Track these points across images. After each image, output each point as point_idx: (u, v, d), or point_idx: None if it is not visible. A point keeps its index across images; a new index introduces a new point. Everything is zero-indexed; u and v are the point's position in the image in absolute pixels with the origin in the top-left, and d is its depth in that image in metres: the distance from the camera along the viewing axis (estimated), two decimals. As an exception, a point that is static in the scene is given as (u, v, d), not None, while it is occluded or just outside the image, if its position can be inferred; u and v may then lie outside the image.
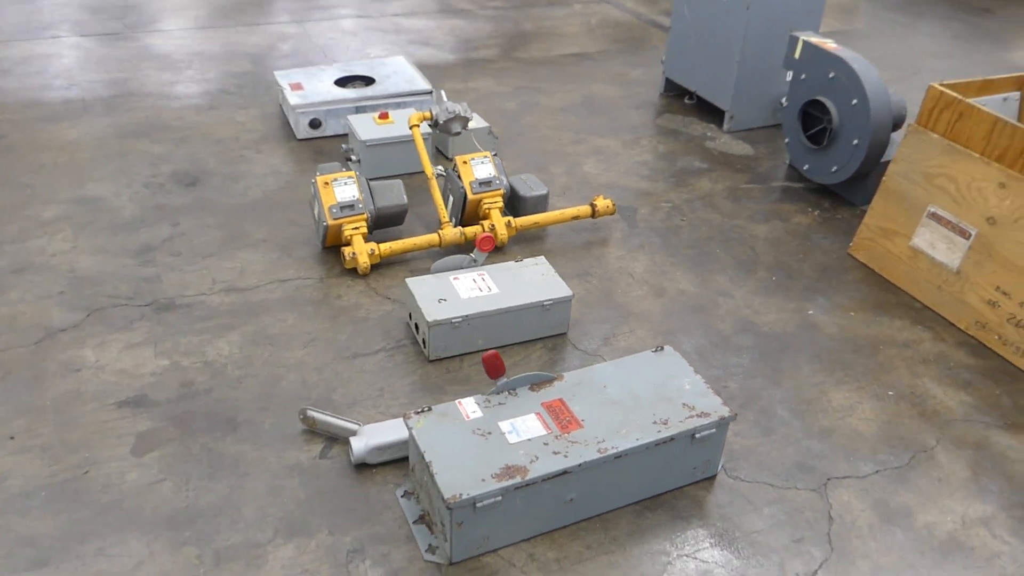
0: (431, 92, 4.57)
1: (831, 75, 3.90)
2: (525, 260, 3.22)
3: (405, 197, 3.51)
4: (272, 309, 3.16)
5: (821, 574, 2.27)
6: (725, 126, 4.80)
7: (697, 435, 2.38)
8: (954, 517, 2.47)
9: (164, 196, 3.82)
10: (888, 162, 3.61)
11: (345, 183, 3.42)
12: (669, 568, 2.27)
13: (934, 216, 3.34)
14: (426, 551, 2.27)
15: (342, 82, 4.63)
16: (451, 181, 3.64)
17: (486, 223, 3.55)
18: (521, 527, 2.29)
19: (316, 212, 3.43)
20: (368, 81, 4.65)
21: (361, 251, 3.34)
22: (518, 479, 2.17)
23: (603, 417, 2.38)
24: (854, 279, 3.55)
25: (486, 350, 2.66)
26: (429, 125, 3.72)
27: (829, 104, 3.92)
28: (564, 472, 2.22)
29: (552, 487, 2.24)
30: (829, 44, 3.99)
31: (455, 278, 3.08)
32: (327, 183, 3.40)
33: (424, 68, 5.09)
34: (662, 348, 2.66)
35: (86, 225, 3.58)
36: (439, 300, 2.95)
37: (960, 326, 3.26)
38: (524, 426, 2.33)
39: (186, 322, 3.06)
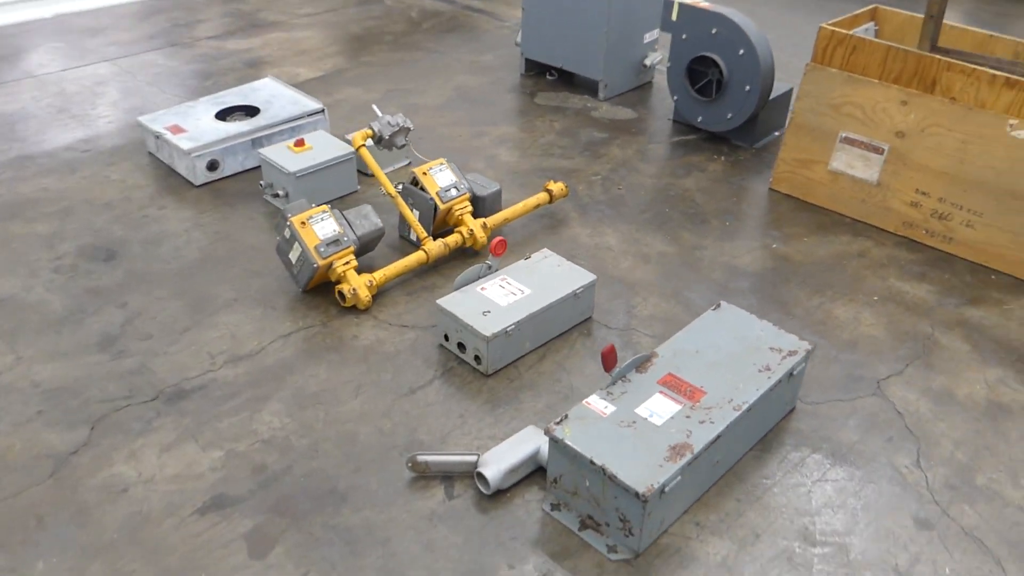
0: (323, 110, 4.35)
1: (713, 31, 4.26)
2: (533, 256, 3.24)
3: (379, 220, 3.36)
4: (294, 367, 2.92)
5: (923, 461, 2.60)
6: (601, 95, 5.05)
7: (794, 372, 2.60)
8: (981, 385, 2.92)
9: (86, 278, 3.34)
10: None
11: (322, 219, 3.20)
12: (812, 495, 2.48)
13: (847, 140, 3.81)
14: (609, 552, 2.29)
15: (222, 116, 4.26)
16: (412, 195, 3.53)
17: (463, 229, 3.50)
18: (684, 501, 2.38)
19: (296, 256, 3.18)
20: (251, 111, 4.32)
21: (359, 285, 3.17)
22: (688, 455, 2.26)
23: (716, 379, 2.52)
24: (788, 209, 3.96)
25: (531, 352, 2.66)
26: (374, 142, 3.58)
27: (717, 58, 4.29)
28: (718, 438, 2.34)
29: (708, 455, 2.35)
30: (703, 3, 4.34)
31: (482, 288, 3.03)
32: (304, 222, 3.16)
33: (288, 87, 4.81)
34: (719, 305, 2.84)
35: (16, 331, 3.04)
36: (483, 313, 2.91)
37: (890, 230, 3.77)
38: (658, 407, 2.41)
39: (210, 405, 2.75)
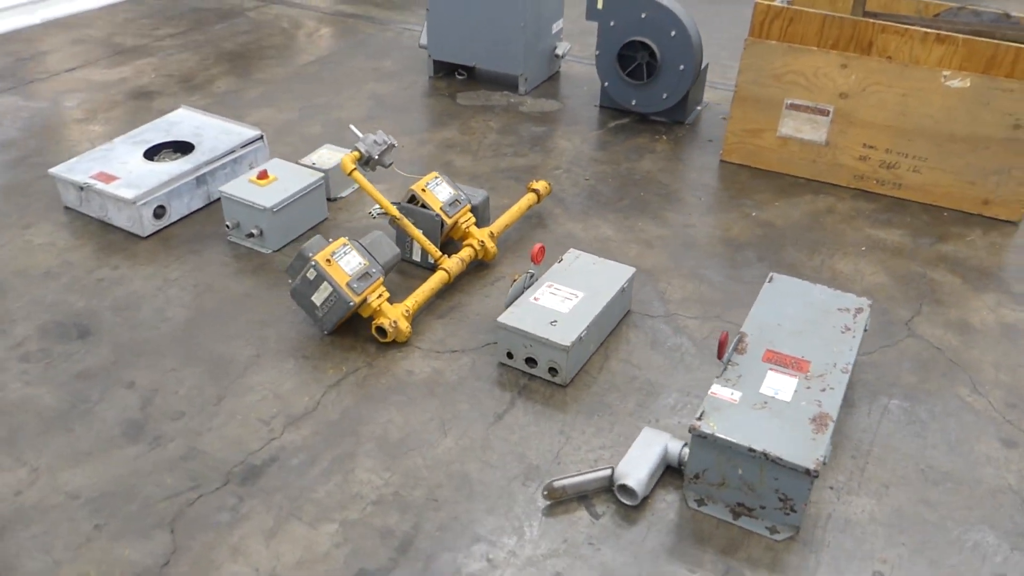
0: (261, 137, 3.99)
1: (643, 15, 4.37)
2: (564, 258, 3.18)
3: (395, 244, 3.16)
4: (363, 416, 2.69)
5: (979, 388, 2.86)
6: (522, 89, 5.02)
7: (866, 328, 2.76)
8: (986, 311, 3.24)
9: (68, 362, 2.87)
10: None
11: (345, 252, 2.96)
12: (911, 438, 2.65)
13: (793, 106, 4.06)
14: (772, 533, 2.33)
15: (149, 155, 3.80)
16: (414, 214, 3.34)
17: (473, 241, 3.37)
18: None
19: (324, 297, 2.92)
20: (181, 147, 3.88)
21: (398, 317, 2.97)
22: (830, 424, 2.34)
23: (812, 348, 2.61)
24: (746, 178, 4.16)
25: (594, 354, 2.64)
26: (362, 164, 3.34)
27: (649, 41, 4.40)
28: (844, 399, 2.44)
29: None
30: (628, -11, 4.43)
31: (535, 299, 2.94)
32: (328, 260, 2.91)
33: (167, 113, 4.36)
34: (772, 278, 2.94)
35: (14, 439, 2.56)
36: (551, 323, 2.82)
37: (843, 184, 4.08)
38: (777, 384, 2.47)
39: (294, 477, 2.47)
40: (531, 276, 3.05)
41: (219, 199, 3.80)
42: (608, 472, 2.43)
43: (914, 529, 2.36)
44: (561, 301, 2.94)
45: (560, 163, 4.27)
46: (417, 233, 3.28)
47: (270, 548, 2.26)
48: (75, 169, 3.67)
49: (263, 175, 3.54)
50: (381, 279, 3.01)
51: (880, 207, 3.92)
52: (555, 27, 5.16)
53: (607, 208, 3.88)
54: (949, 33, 3.68)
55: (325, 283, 2.89)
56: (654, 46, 4.40)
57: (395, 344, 3.00)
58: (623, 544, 2.30)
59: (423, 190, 3.35)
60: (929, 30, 3.71)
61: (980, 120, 3.71)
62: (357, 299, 2.90)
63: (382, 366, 2.91)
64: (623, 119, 4.74)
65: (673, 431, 2.60)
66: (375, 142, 3.34)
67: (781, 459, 2.23)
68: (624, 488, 2.39)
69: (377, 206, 3.46)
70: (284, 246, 3.52)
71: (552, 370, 2.82)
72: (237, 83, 5.06)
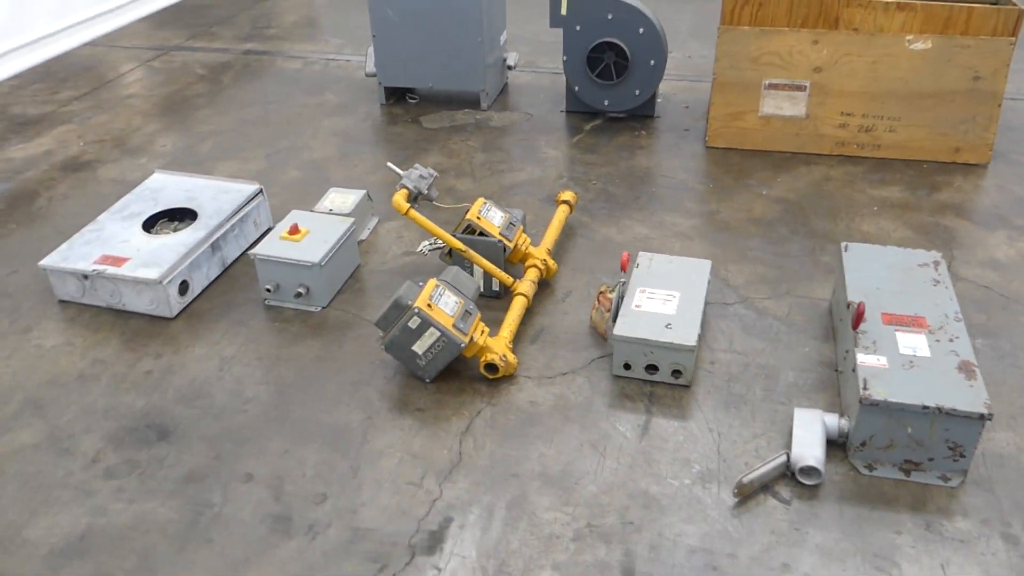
0: (261, 191, 3.73)
1: (610, 16, 4.44)
2: (639, 262, 3.18)
3: (473, 277, 3.06)
4: (513, 458, 2.58)
5: (1037, 314, 3.15)
6: (484, 104, 4.97)
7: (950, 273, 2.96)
8: (1004, 247, 3.55)
9: (162, 468, 2.57)
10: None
11: (440, 294, 2.83)
12: (1015, 374, 2.87)
13: (772, 86, 4.27)
14: (946, 481, 2.45)
15: (146, 229, 3.46)
16: (475, 244, 3.23)
17: (536, 261, 3.30)
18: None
19: (429, 344, 2.77)
20: (179, 215, 3.56)
21: (504, 350, 2.87)
22: (975, 369, 2.49)
23: (918, 305, 2.77)
24: (738, 159, 4.33)
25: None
26: (410, 200, 3.20)
27: (618, 41, 4.48)
28: (975, 347, 2.62)
29: (968, 366, 2.62)
30: (590, -7, 4.49)
31: (637, 306, 2.94)
32: (430, 304, 2.77)
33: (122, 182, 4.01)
34: (847, 247, 3.09)
35: (151, 566, 2.27)
36: (666, 327, 2.83)
37: (827, 152, 4.33)
38: (911, 342, 2.60)
39: (478, 532, 2.34)
40: (623, 284, 3.04)
41: (233, 264, 3.54)
42: (783, 458, 2.48)
43: (1054, 451, 2.57)
44: (662, 304, 2.96)
45: (560, 172, 4.27)
46: (485, 263, 3.19)
47: (498, 611, 2.15)
48: (71, 257, 3.29)
49: (295, 230, 3.32)
50: (479, 315, 2.90)
51: (867, 168, 4.20)
52: (502, 38, 5.15)
53: (629, 208, 3.93)
54: (908, 0, 4.00)
55: (431, 329, 2.76)
56: (624, 45, 4.49)
57: (504, 378, 2.90)
58: (825, 522, 2.36)
59: (478, 218, 3.26)
60: (890, 0, 4.02)
61: (944, 76, 4.06)
62: (466, 339, 2.79)
63: (503, 402, 2.81)
64: (595, 120, 4.80)
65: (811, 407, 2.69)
66: (420, 176, 3.22)
67: (955, 409, 2.37)
68: (806, 469, 2.45)
69: (428, 242, 3.35)
70: (330, 301, 3.32)
71: (676, 372, 2.84)
72: (182, 139, 4.70)
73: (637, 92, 4.64)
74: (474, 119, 4.87)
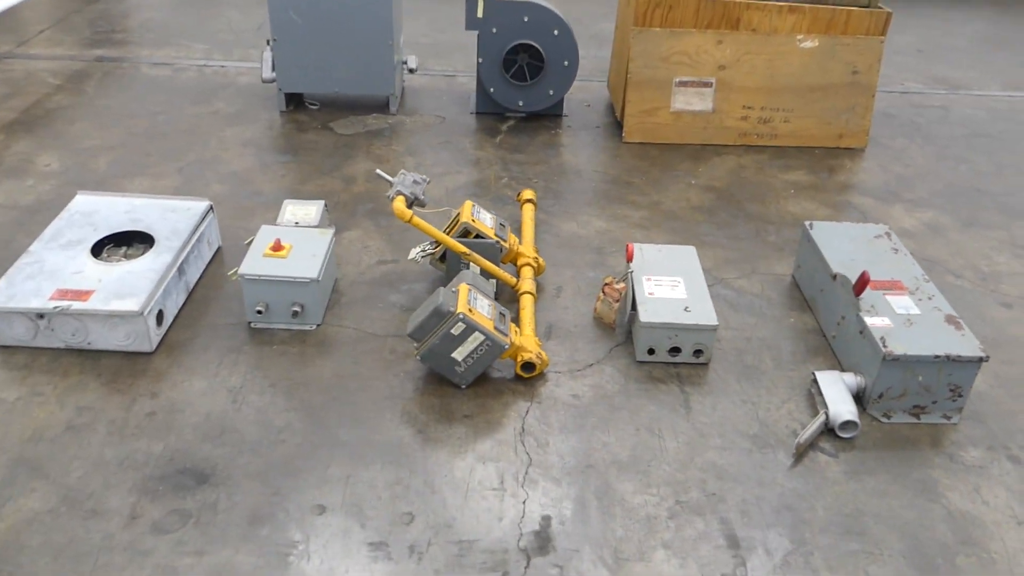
0: (211, 208, 3.42)
1: (525, 19, 4.53)
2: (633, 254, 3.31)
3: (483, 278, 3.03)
4: (580, 451, 2.62)
5: (957, 272, 3.65)
6: (393, 108, 4.87)
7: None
8: (906, 217, 4.09)
9: (223, 513, 2.32)
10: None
11: (475, 299, 2.78)
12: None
13: (682, 84, 4.58)
14: (949, 419, 2.82)
15: (96, 253, 3.07)
16: (474, 247, 3.19)
17: (527, 259, 3.33)
18: (940, 361, 3.01)
19: (471, 348, 2.72)
20: (130, 238, 3.18)
21: (537, 348, 2.88)
22: (961, 321, 2.88)
23: (888, 269, 3.14)
24: (657, 153, 4.60)
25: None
26: (410, 206, 3.11)
27: (534, 43, 4.58)
28: (945, 303, 3.03)
29: (943, 319, 3.01)
30: (505, -4, 4.55)
31: (650, 293, 3.06)
32: (471, 309, 2.71)
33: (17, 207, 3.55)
34: (812, 224, 3.41)
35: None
36: (685, 310, 2.98)
37: (731, 143, 4.72)
38: (900, 303, 2.95)
39: (580, 526, 2.36)
40: (631, 271, 3.16)
41: (195, 289, 3.24)
42: (823, 417, 2.73)
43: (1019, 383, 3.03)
44: (671, 289, 3.11)
45: (497, 172, 4.31)
46: (490, 265, 3.17)
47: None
48: (17, 295, 2.85)
49: (278, 246, 3.10)
50: (510, 315, 2.89)
51: (770, 156, 4.64)
52: (401, 41, 5.07)
53: (578, 203, 4.05)
54: (798, 4, 4.47)
55: (476, 333, 2.71)
56: (539, 47, 4.61)
57: (537, 377, 2.92)
58: (872, 468, 2.63)
59: (473, 220, 3.23)
60: (782, 3, 4.47)
61: (829, 71, 4.58)
62: (508, 341, 2.77)
63: (547, 399, 2.83)
64: (508, 121, 4.88)
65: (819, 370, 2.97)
66: (414, 182, 3.14)
67: (960, 356, 2.73)
68: (845, 424, 2.71)
69: (420, 248, 3.27)
70: (323, 317, 3.14)
71: (697, 352, 3.00)
72: (67, 156, 4.17)
73: (551, 92, 4.78)
74: (387, 123, 4.76)
